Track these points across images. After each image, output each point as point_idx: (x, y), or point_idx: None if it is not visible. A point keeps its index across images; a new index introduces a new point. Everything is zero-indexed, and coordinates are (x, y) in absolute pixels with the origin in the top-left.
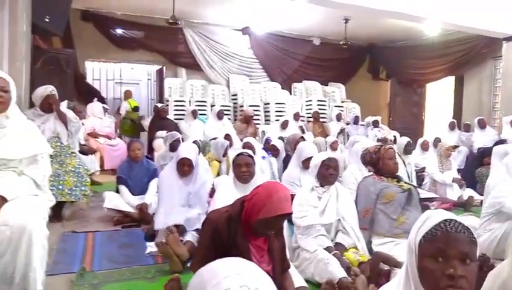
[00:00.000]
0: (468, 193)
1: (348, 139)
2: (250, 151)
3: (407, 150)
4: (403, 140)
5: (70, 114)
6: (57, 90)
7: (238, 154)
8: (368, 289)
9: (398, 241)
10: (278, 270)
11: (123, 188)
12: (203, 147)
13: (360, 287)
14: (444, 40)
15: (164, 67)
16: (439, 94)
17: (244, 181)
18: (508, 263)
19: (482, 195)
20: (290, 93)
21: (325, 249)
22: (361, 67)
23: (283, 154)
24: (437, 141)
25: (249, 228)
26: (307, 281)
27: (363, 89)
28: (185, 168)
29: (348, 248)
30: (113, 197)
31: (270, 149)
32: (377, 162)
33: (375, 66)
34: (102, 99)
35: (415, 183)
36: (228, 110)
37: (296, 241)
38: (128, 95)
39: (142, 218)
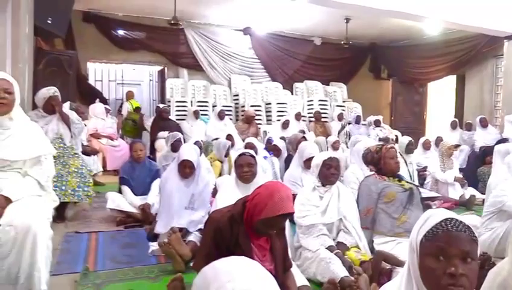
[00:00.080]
0: (470, 191)
1: (349, 138)
2: (252, 152)
3: (409, 149)
4: (405, 139)
5: (73, 116)
6: (60, 92)
7: (240, 155)
8: (370, 288)
9: (399, 240)
10: (280, 270)
11: (126, 189)
12: (205, 148)
13: (363, 286)
14: (445, 39)
15: (166, 68)
16: (440, 93)
17: (246, 181)
18: (508, 261)
19: (484, 194)
20: (292, 93)
21: (326, 248)
22: (362, 67)
23: (285, 154)
24: (439, 140)
25: (251, 227)
26: (309, 280)
27: (365, 89)
28: (186, 170)
29: (349, 247)
30: (115, 198)
31: (272, 149)
32: (379, 161)
33: (377, 65)
34: (104, 100)
35: (416, 182)
36: (230, 111)
37: (298, 240)
38: (130, 96)
39: (145, 218)
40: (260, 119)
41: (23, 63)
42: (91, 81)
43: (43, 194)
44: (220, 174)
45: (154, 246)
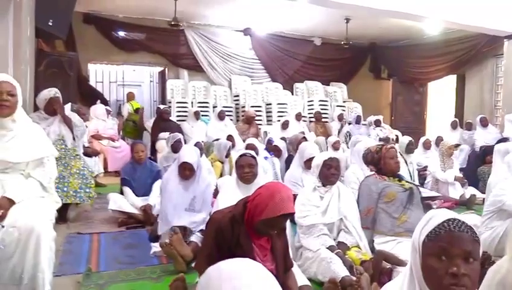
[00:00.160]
0: (470, 191)
1: (350, 138)
2: (252, 152)
3: (409, 149)
4: (405, 139)
5: (75, 118)
6: (60, 93)
7: (240, 155)
8: (371, 288)
9: (400, 239)
10: (281, 270)
11: (127, 190)
12: (206, 148)
13: (365, 285)
14: (445, 39)
15: (166, 69)
16: (440, 93)
17: (247, 182)
18: (508, 259)
19: (484, 193)
20: (292, 94)
21: (327, 248)
22: (362, 67)
23: (285, 154)
24: (439, 139)
25: (252, 227)
26: (310, 280)
27: (365, 89)
28: (186, 172)
29: (350, 246)
30: (117, 199)
31: (273, 150)
32: (379, 161)
33: (377, 65)
34: (105, 102)
35: (417, 182)
36: (230, 111)
37: (299, 240)
38: (130, 97)
39: (146, 219)
40: (260, 120)
41: (25, 64)
42: (92, 82)
43: (46, 196)
44: (221, 175)
45: (156, 247)
